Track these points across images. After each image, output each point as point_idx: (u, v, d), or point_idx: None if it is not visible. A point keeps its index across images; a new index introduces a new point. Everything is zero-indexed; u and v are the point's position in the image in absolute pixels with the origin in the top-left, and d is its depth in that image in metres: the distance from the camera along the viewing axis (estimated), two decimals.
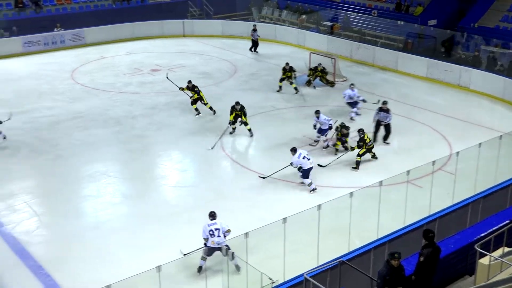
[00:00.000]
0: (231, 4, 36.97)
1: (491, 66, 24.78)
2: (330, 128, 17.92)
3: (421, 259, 9.16)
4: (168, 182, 16.35)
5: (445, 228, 11.56)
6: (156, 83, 24.58)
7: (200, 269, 11.73)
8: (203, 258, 11.65)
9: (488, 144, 14.64)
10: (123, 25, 32.19)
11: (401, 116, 20.74)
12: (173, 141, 18.80)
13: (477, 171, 14.26)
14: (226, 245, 11.31)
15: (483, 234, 10.43)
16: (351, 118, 20.21)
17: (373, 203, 12.27)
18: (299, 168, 15.35)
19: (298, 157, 15.16)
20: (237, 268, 11.45)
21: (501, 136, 14.90)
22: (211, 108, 20.65)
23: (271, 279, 9.48)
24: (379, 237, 11.26)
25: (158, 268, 8.99)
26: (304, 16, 34.30)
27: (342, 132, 17.55)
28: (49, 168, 16.73)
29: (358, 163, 16.70)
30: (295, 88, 23.04)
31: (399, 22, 30.35)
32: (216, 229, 11.50)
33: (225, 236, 11.49)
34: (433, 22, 29.95)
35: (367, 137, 16.90)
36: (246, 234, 10.15)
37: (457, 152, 13.87)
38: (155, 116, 20.67)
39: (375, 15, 31.89)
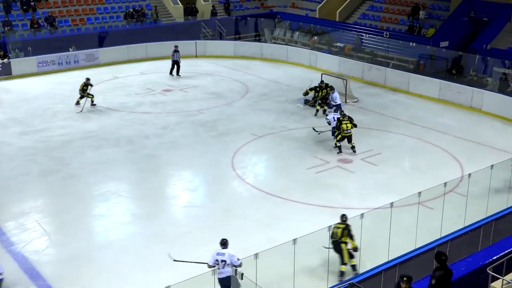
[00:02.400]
0: (243, 25, 37.24)
1: (503, 87, 24.70)
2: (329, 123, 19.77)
3: (433, 282, 9.08)
4: (178, 202, 16.36)
5: (456, 251, 11.45)
6: (168, 103, 24.72)
7: None
8: None
9: (500, 166, 14.56)
10: (136, 46, 32.49)
11: (413, 137, 20.70)
12: (184, 161, 18.84)
13: (489, 193, 14.15)
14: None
15: (495, 257, 10.34)
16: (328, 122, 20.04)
17: (384, 224, 12.19)
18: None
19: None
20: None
21: None
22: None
23: None
24: (389, 259, 11.17)
25: None
26: (316, 38, 34.46)
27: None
28: (61, 187, 16.80)
29: (339, 147, 18.83)
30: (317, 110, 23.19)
31: (411, 43, 30.39)
32: (222, 261, 10.81)
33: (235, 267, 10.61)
34: (445, 43, 29.97)
35: (346, 124, 18.57)
36: (256, 255, 10.10)
37: (469, 174, 13.79)
38: (166, 136, 20.76)
39: (387, 36, 31.98)
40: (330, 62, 30.02)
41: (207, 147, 19.80)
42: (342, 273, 11.78)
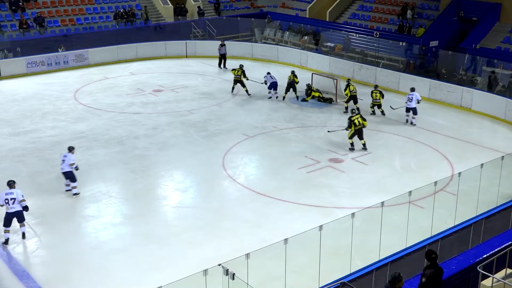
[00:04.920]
0: (234, 25, 37.21)
1: (493, 87, 24.84)
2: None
3: (423, 280, 9.10)
4: (169, 203, 16.31)
5: (447, 249, 11.50)
6: (158, 103, 24.66)
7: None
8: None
9: (490, 165, 14.62)
10: (126, 46, 32.39)
11: (403, 136, 20.78)
12: (175, 162, 18.80)
13: (479, 192, 14.21)
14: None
15: (485, 256, 10.38)
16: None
17: (375, 224, 12.22)
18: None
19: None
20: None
21: (503, 156, 14.90)
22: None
23: None
24: (381, 258, 11.20)
25: None
26: (306, 37, 34.49)
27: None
28: (51, 188, 16.69)
29: (352, 144, 19.30)
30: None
31: (401, 43, 30.50)
32: (12, 199, 13.57)
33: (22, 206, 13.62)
34: (434, 43, 30.10)
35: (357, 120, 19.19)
36: (247, 255, 10.09)
37: (459, 173, 13.85)
38: (157, 137, 20.70)
39: (377, 36, 32.06)
40: (321, 62, 30.07)
41: (198, 147, 19.77)
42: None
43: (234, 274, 11.07)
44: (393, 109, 21.63)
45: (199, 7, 38.83)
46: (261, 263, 11.77)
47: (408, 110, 22.00)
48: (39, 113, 23.31)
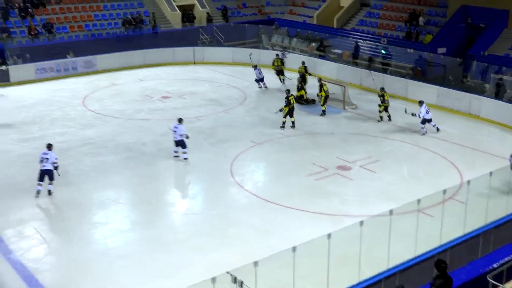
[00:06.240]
0: (241, 31, 37.28)
1: (501, 94, 24.75)
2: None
3: None
4: (177, 209, 16.34)
5: (456, 258, 11.43)
6: (166, 110, 24.71)
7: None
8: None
9: (499, 173, 14.56)
10: (134, 52, 32.51)
11: (411, 144, 20.73)
12: (183, 168, 18.82)
13: (488, 200, 14.14)
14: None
15: (495, 265, 10.30)
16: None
17: (384, 232, 12.16)
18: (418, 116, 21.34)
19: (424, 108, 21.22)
20: None
21: None
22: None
23: None
24: (389, 267, 11.15)
25: None
26: (313, 44, 34.50)
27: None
28: (59, 194, 16.73)
29: (381, 117, 23.05)
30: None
31: (408, 50, 30.46)
32: (46, 158, 16.21)
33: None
34: (442, 50, 30.05)
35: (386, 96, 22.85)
36: (256, 263, 10.07)
37: (468, 181, 13.77)
38: (165, 143, 20.71)
39: (385, 43, 32.07)
40: (328, 69, 30.05)
41: (206, 154, 19.78)
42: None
43: (242, 282, 11.06)
44: (413, 115, 21.53)
45: (208, 13, 38.94)
46: (269, 271, 11.75)
47: (425, 121, 21.57)
48: (48, 119, 23.42)
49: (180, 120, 19.22)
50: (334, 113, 24.35)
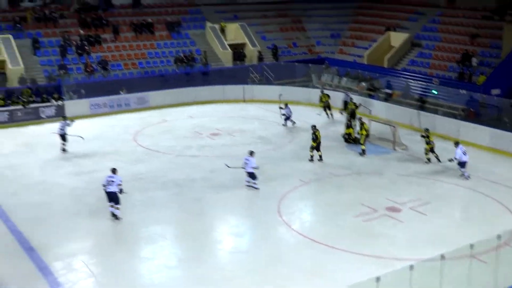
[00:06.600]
0: (291, 70, 37.53)
1: None
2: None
3: None
4: (224, 247, 16.30)
5: None
6: (215, 147, 24.93)
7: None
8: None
9: None
10: (185, 90, 33.15)
11: (463, 187, 20.22)
12: (231, 205, 18.85)
13: None
14: None
15: None
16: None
17: (435, 277, 11.81)
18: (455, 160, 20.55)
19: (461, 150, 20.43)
20: None
21: None
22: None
23: None
24: None
25: None
26: (363, 83, 34.41)
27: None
28: (108, 228, 16.99)
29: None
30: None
31: (461, 91, 29.98)
32: (112, 181, 17.12)
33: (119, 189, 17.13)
34: (496, 91, 29.51)
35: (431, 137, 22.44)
36: None
37: None
38: (213, 180, 20.85)
39: (437, 83, 31.71)
40: (378, 108, 29.85)
41: (254, 192, 19.78)
42: None
43: None
44: (450, 160, 20.83)
45: (259, 51, 39.45)
46: None
47: (463, 164, 20.73)
48: (100, 154, 23.94)
49: (251, 153, 19.94)
50: (383, 153, 24.07)
